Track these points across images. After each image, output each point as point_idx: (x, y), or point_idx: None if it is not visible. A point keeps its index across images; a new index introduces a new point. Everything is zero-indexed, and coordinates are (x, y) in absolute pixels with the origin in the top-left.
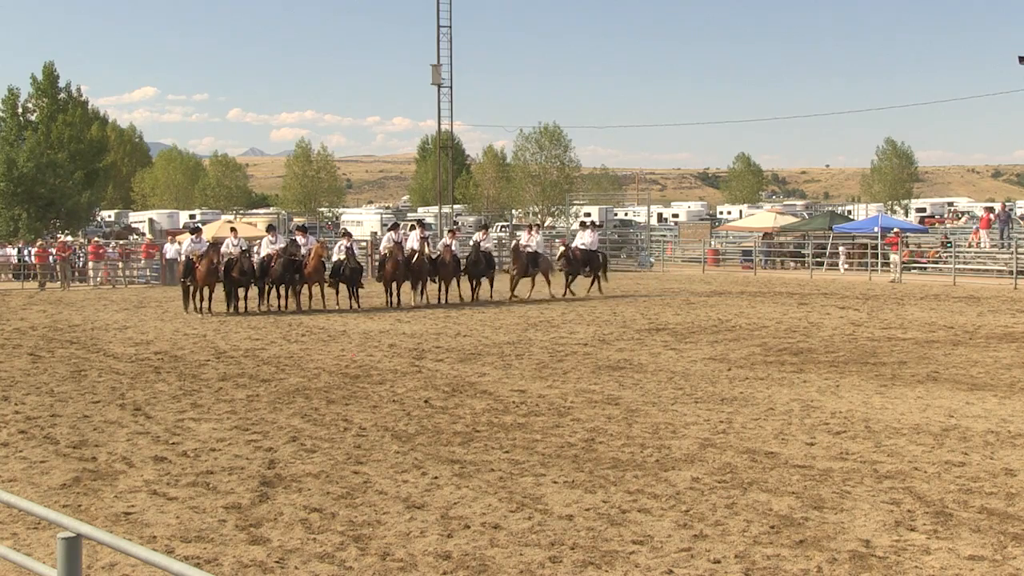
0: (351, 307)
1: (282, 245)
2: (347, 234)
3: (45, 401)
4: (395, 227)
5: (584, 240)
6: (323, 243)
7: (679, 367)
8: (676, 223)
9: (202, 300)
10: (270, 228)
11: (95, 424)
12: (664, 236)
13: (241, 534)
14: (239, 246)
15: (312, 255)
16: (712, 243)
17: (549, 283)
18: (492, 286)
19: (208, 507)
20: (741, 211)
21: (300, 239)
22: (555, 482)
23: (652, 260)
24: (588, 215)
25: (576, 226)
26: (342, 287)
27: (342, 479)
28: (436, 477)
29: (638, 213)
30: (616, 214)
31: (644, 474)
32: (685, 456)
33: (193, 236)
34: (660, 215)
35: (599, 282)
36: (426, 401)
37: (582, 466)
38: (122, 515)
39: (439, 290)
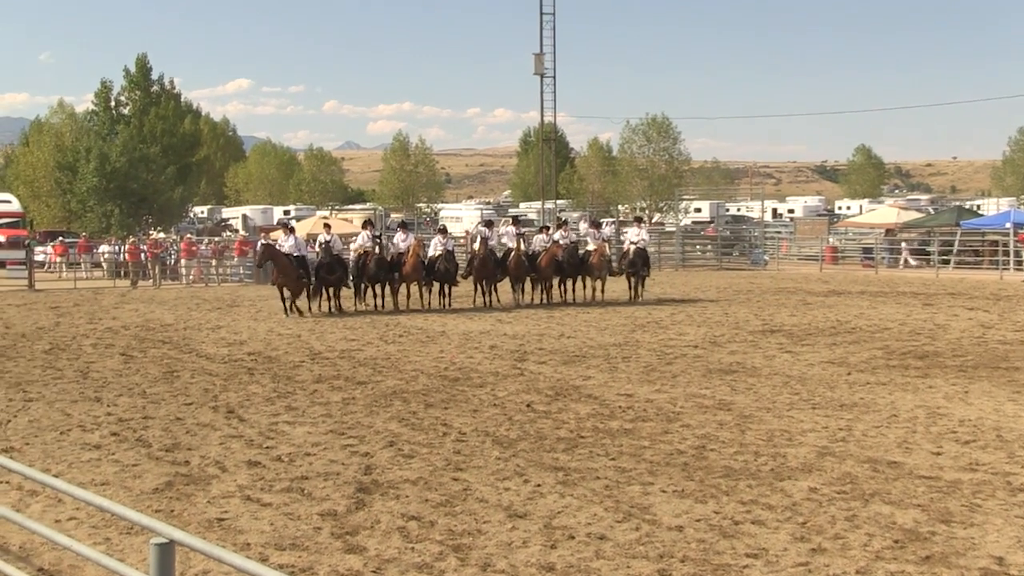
0: (442, 307)
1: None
2: (443, 231)
3: (137, 403)
4: (489, 224)
5: (643, 236)
6: (420, 241)
7: (795, 371)
8: (792, 219)
9: (285, 300)
10: (367, 223)
11: (188, 427)
12: (779, 233)
13: (337, 542)
14: (330, 242)
15: (410, 253)
16: (830, 240)
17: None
18: (643, 286)
19: (303, 514)
20: (861, 206)
21: (400, 235)
22: (664, 491)
23: (766, 258)
24: (699, 210)
25: (585, 223)
26: (435, 285)
27: (441, 486)
28: (539, 485)
29: (751, 208)
30: (728, 209)
31: (758, 484)
32: (802, 465)
33: (284, 234)
34: (775, 210)
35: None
36: (528, 405)
37: (692, 475)
38: (215, 521)
39: (540, 290)
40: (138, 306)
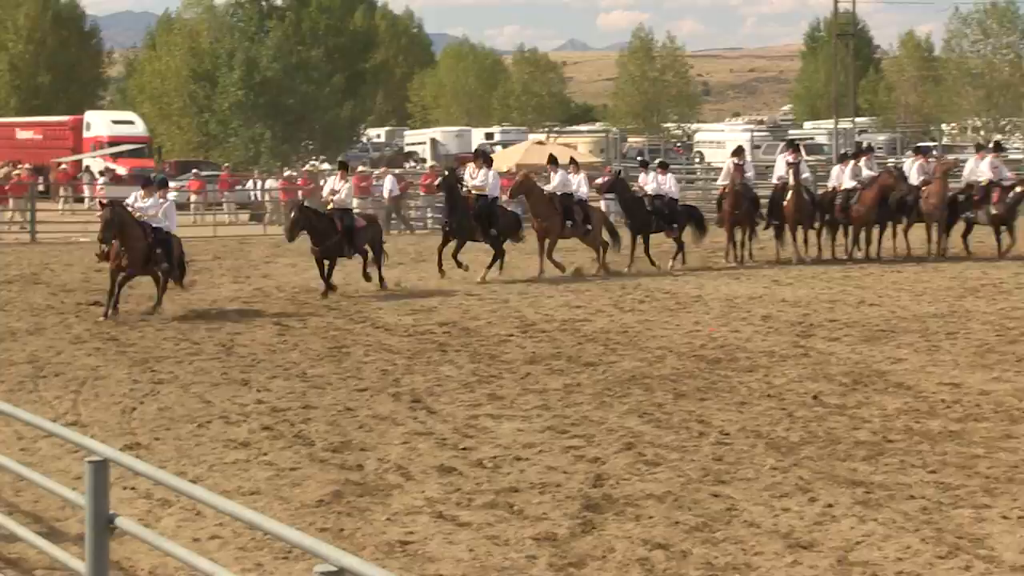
0: (672, 263)
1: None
2: (664, 165)
3: (295, 387)
4: (739, 151)
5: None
6: (528, 175)
7: None
8: None
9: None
10: (635, 173)
11: (361, 420)
12: None
13: None
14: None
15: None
16: None
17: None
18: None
19: (512, 538)
20: None
21: (655, 177)
22: (1006, 517)
23: None
24: None
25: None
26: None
27: (696, 504)
28: (830, 505)
29: None
30: None
31: None
32: None
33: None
34: None
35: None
36: (815, 397)
37: None
38: (397, 545)
39: (856, 239)
40: (296, 260)
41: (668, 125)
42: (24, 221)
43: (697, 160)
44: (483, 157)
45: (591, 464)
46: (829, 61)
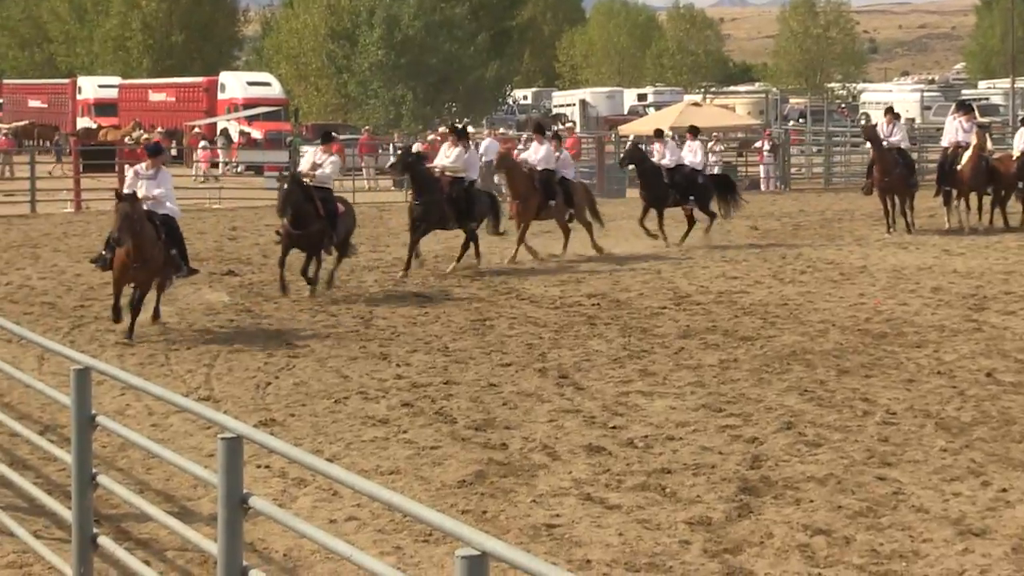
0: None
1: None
2: (694, 131)
3: (437, 362)
4: (889, 112)
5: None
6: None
7: None
8: None
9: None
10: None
11: (505, 396)
12: None
13: (711, 563)
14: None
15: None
16: None
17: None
18: None
19: (664, 522)
20: None
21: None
22: None
23: None
24: None
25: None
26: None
27: (860, 487)
28: (1004, 490)
29: None
30: None
31: None
32: None
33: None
34: None
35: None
36: (989, 374)
37: None
38: (543, 528)
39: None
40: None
41: (832, 85)
42: None
43: (863, 122)
44: (458, 133)
45: (748, 444)
46: (1006, 16)
